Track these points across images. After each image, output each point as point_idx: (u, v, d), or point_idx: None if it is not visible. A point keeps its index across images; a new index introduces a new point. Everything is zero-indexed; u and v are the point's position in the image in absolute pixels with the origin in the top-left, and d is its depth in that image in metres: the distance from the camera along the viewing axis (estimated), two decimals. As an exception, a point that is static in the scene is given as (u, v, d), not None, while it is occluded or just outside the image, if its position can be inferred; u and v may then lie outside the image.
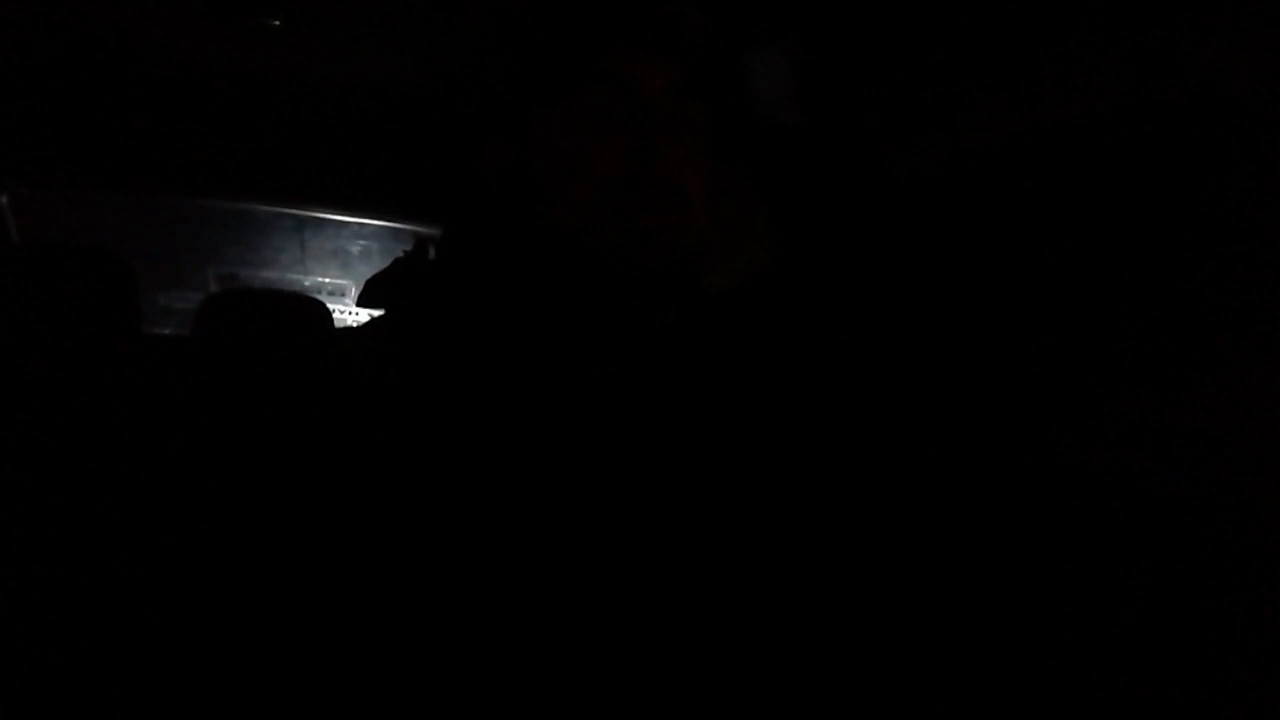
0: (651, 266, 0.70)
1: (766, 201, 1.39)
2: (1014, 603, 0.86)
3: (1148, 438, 0.86)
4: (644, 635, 0.64)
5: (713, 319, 0.80)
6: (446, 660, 0.61)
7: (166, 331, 2.65)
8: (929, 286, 1.10)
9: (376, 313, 0.78)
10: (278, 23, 1.79)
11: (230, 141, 2.23)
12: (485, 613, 0.61)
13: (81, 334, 1.61)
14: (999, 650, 0.84)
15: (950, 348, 1.04)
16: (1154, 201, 0.92)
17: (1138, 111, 0.95)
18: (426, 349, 0.71)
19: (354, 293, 3.08)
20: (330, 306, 2.04)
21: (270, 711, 0.61)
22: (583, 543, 0.64)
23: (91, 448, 1.44)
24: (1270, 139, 0.85)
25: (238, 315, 1.90)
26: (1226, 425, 0.82)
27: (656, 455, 0.69)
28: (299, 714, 0.61)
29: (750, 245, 1.33)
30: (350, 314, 2.94)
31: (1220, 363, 0.85)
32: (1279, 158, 0.84)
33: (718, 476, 0.70)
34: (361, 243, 3.05)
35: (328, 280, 3.12)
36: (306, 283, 3.10)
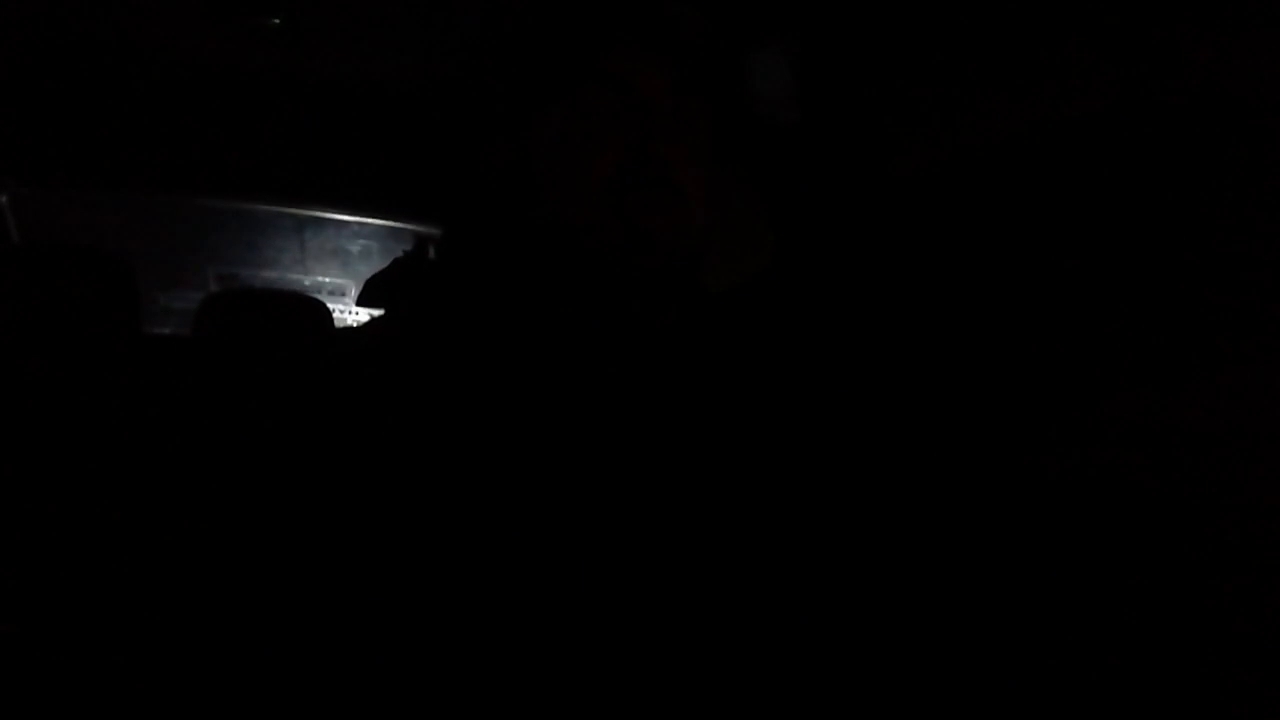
0: (651, 266, 0.70)
1: (766, 201, 1.39)
2: (1012, 603, 0.86)
3: (1146, 438, 0.86)
4: (644, 635, 0.64)
5: (713, 319, 0.80)
6: (447, 660, 0.61)
7: (166, 331, 2.65)
8: (929, 286, 1.10)
9: (376, 312, 0.78)
10: (278, 22, 1.79)
11: (230, 141, 2.23)
12: (486, 612, 0.61)
13: (81, 334, 1.60)
14: (998, 650, 0.84)
15: (949, 347, 1.04)
16: (1153, 201, 0.92)
17: (1138, 111, 0.95)
18: (426, 349, 0.71)
19: (354, 292, 3.08)
20: (330, 306, 2.04)
21: (270, 712, 0.61)
22: (583, 542, 0.64)
23: (92, 448, 1.44)
24: (1270, 139, 0.85)
25: (238, 315, 1.90)
26: (1226, 425, 0.82)
27: (656, 455, 0.69)
28: (299, 714, 0.61)
29: (750, 245, 1.33)
30: (350, 314, 2.94)
31: (1220, 363, 0.85)
32: (1279, 158, 0.84)
33: (717, 476, 0.70)
34: (361, 242, 3.04)
35: (328, 280, 3.12)
36: (306, 282, 3.10)
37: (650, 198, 0.69)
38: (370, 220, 2.76)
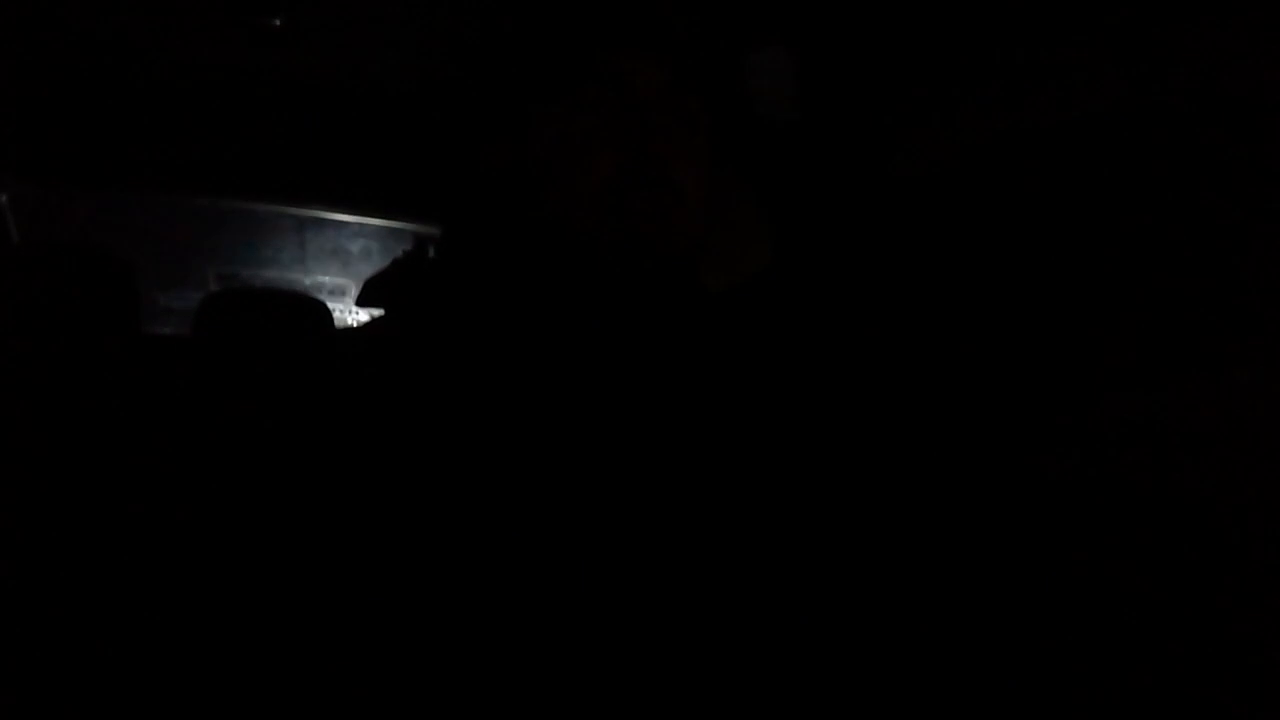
0: (651, 266, 0.70)
1: (766, 201, 1.39)
2: (1013, 602, 0.86)
3: (1147, 438, 0.86)
4: (644, 635, 0.64)
5: (712, 319, 0.80)
6: (447, 660, 0.61)
7: (166, 331, 2.65)
8: (929, 286, 1.10)
9: (376, 312, 0.78)
10: (278, 22, 1.79)
11: (230, 141, 2.23)
12: (486, 612, 0.61)
13: (81, 334, 1.60)
14: (999, 650, 0.84)
15: (950, 347, 1.04)
16: (1153, 201, 0.92)
17: (1138, 112, 0.95)
18: (426, 348, 0.71)
19: (354, 292, 3.08)
20: (330, 306, 2.04)
21: (270, 712, 0.61)
22: (583, 542, 0.64)
23: (92, 448, 1.44)
24: (1270, 139, 0.85)
25: (238, 315, 1.90)
26: (1226, 425, 0.82)
27: (657, 454, 0.69)
28: (299, 714, 0.61)
29: (750, 245, 1.33)
30: (350, 314, 2.94)
31: (1220, 363, 0.85)
32: (1279, 158, 0.84)
33: (717, 476, 0.70)
34: (361, 242, 3.04)
35: (328, 280, 3.12)
36: (307, 282, 3.10)
37: (649, 197, 0.69)
38: (370, 220, 2.76)
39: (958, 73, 1.14)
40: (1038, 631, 0.85)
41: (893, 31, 1.23)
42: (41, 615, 1.21)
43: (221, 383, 1.73)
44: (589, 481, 0.66)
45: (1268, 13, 0.86)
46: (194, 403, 1.60)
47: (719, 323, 0.80)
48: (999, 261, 1.04)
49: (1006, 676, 0.84)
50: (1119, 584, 0.82)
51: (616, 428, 0.68)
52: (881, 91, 1.24)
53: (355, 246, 3.05)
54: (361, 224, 2.84)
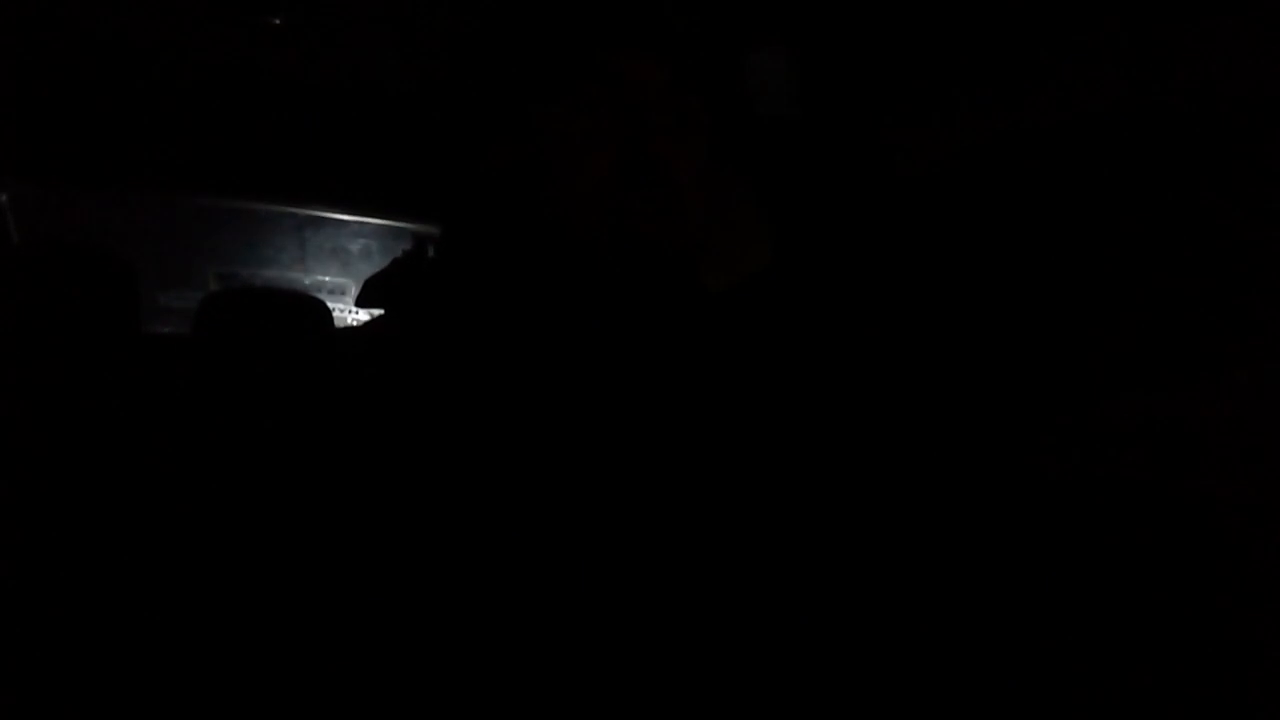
0: (650, 265, 0.70)
1: (766, 201, 1.38)
2: (1013, 602, 0.86)
3: (1147, 437, 0.86)
4: (643, 635, 0.64)
5: (712, 318, 0.80)
6: (446, 659, 0.61)
7: (166, 330, 2.64)
8: (929, 286, 1.10)
9: (377, 312, 0.78)
10: (278, 21, 1.79)
11: (230, 141, 2.23)
12: (485, 612, 0.61)
13: (81, 333, 1.60)
14: (999, 650, 0.84)
15: (950, 347, 1.04)
16: (1154, 201, 0.92)
17: (1138, 112, 0.95)
18: (426, 348, 0.71)
19: (354, 291, 3.08)
20: (330, 305, 2.04)
21: (270, 712, 0.61)
22: (582, 542, 0.64)
23: (91, 447, 1.44)
24: (1270, 139, 0.85)
25: (238, 314, 1.90)
26: (1226, 425, 0.82)
27: (656, 454, 0.69)
28: (299, 714, 0.61)
29: (749, 245, 1.33)
30: (350, 313, 2.94)
31: (1220, 362, 0.85)
32: (1279, 158, 0.84)
33: (717, 476, 0.70)
34: (361, 242, 3.04)
35: (328, 279, 3.12)
36: (306, 281, 3.10)
37: (649, 197, 0.69)
38: (370, 220, 2.76)
39: (958, 73, 1.14)
40: (1038, 631, 0.85)
41: (893, 31, 1.23)
42: (42, 615, 1.21)
43: (221, 382, 1.73)
44: (589, 481, 0.66)
45: (1268, 13, 0.86)
46: (194, 402, 1.60)
47: (719, 322, 0.80)
48: (999, 261, 1.04)
49: (1006, 676, 0.84)
50: (1119, 584, 0.82)
51: (616, 427, 0.68)
52: (881, 91, 1.24)
53: (355, 246, 3.05)
54: (361, 223, 2.85)
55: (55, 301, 1.58)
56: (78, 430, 1.45)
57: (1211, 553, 0.79)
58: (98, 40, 1.86)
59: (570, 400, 0.68)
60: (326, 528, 0.62)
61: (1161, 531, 0.82)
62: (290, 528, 0.63)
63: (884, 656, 0.73)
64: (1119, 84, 0.96)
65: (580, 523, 0.64)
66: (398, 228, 2.74)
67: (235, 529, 0.65)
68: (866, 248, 1.20)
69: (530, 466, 0.64)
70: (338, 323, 2.35)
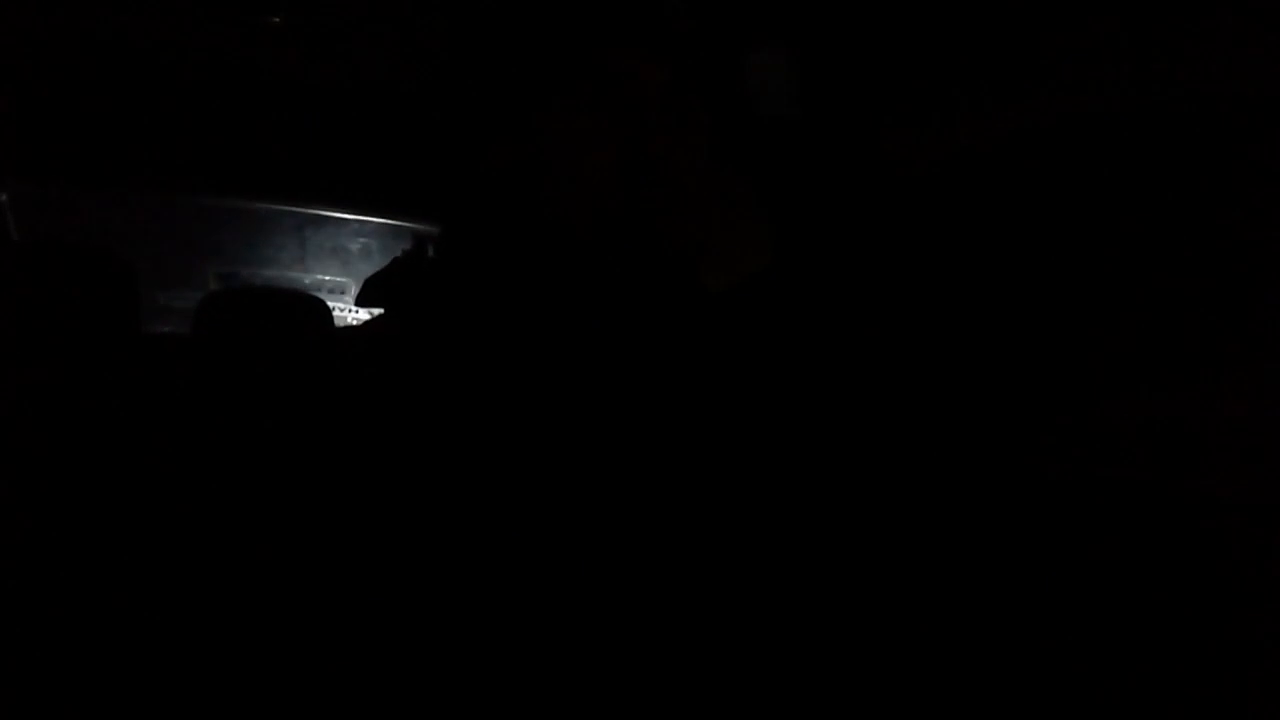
0: (650, 264, 0.70)
1: (766, 201, 1.38)
2: (1013, 603, 0.86)
3: (1146, 437, 0.86)
4: (642, 633, 0.64)
5: (712, 318, 0.80)
6: (446, 658, 0.61)
7: (166, 330, 2.64)
8: (929, 286, 1.10)
9: (377, 311, 0.78)
10: (278, 21, 1.79)
11: (230, 140, 2.23)
12: (485, 609, 0.61)
13: (81, 333, 1.60)
14: (999, 650, 0.84)
15: (950, 348, 1.04)
16: (1154, 201, 0.91)
17: (1139, 112, 0.95)
18: (426, 348, 0.71)
19: (354, 291, 3.08)
20: (330, 304, 2.04)
21: (270, 711, 0.61)
22: (582, 540, 0.64)
23: (91, 447, 1.44)
24: (1270, 139, 0.85)
25: (238, 313, 1.90)
26: (1226, 425, 0.82)
27: (656, 453, 0.69)
28: (299, 714, 0.61)
29: (749, 244, 1.33)
30: (350, 312, 2.94)
31: (1220, 362, 0.85)
32: (1279, 158, 0.84)
33: (717, 474, 0.70)
34: (361, 241, 3.04)
35: (328, 278, 3.12)
36: (307, 281, 3.09)
37: (649, 197, 0.69)
38: (370, 219, 2.76)
39: (958, 73, 1.14)
40: (1037, 631, 0.85)
41: (892, 32, 1.23)
42: (42, 615, 1.21)
43: (221, 382, 1.73)
44: (588, 480, 0.66)
45: (1268, 13, 0.85)
46: (194, 402, 1.60)
47: (718, 322, 0.80)
48: (999, 261, 1.04)
49: (1006, 676, 0.84)
50: (1119, 584, 0.82)
51: (616, 426, 0.68)
52: (881, 91, 1.24)
53: (355, 245, 3.05)
54: (361, 222, 2.85)
55: (55, 301, 1.58)
56: (78, 430, 1.45)
57: (1211, 553, 0.79)
58: (98, 40, 1.86)
59: (570, 399, 0.68)
60: (327, 526, 0.62)
61: (1161, 531, 0.82)
62: (290, 526, 0.63)
63: (884, 656, 0.73)
64: (1119, 84, 0.96)
65: (580, 521, 0.64)
66: (398, 227, 2.74)
67: (235, 528, 0.65)
68: (866, 248, 1.20)
69: (530, 465, 0.64)
70: (338, 323, 2.35)
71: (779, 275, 1.29)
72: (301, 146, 2.25)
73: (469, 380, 0.68)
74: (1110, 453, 0.88)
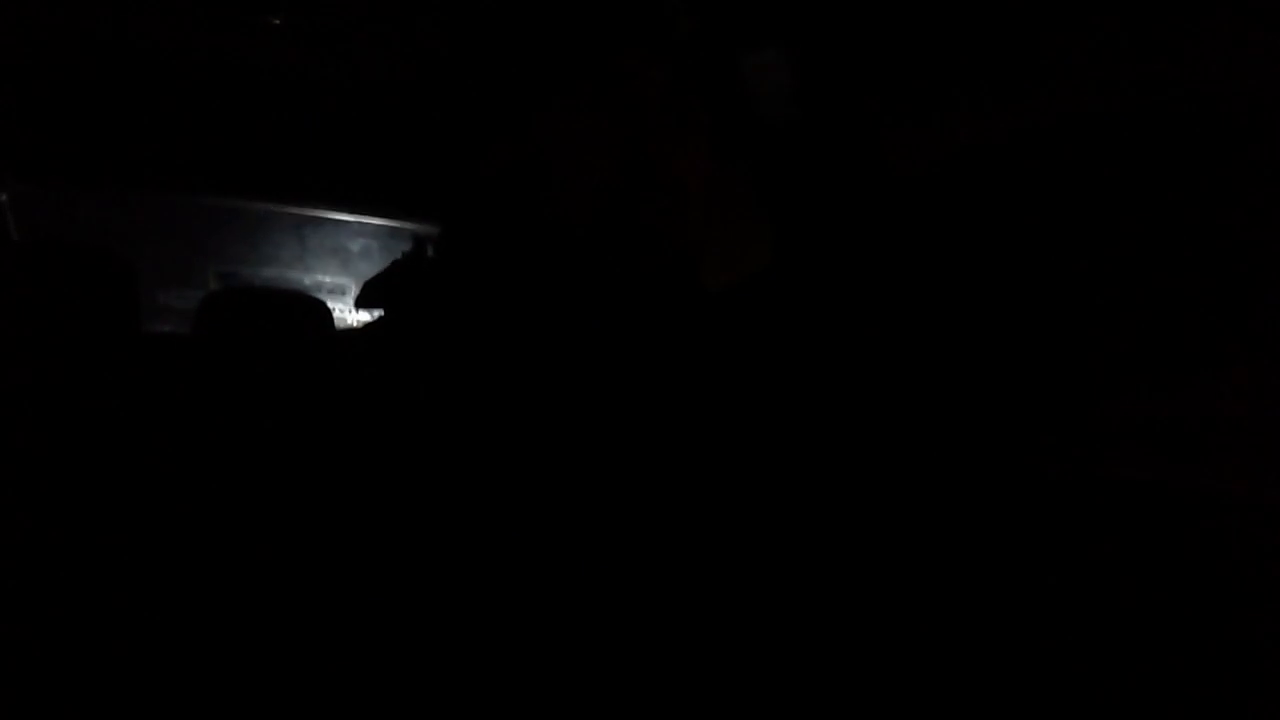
0: (650, 264, 0.70)
1: (766, 201, 1.38)
2: (1011, 602, 0.86)
3: (1147, 436, 0.86)
4: (641, 631, 0.64)
5: (712, 318, 0.80)
6: (444, 655, 0.61)
7: (167, 330, 2.64)
8: (929, 286, 1.10)
9: (376, 312, 0.78)
10: (278, 21, 1.79)
11: (230, 140, 2.23)
12: (484, 609, 0.61)
13: (81, 333, 1.60)
14: (998, 650, 0.84)
15: (950, 347, 1.04)
16: (1155, 201, 0.91)
17: (1139, 112, 0.95)
18: (426, 348, 0.71)
19: (354, 291, 3.08)
20: (330, 305, 2.04)
21: (270, 711, 0.61)
22: (581, 540, 0.64)
23: (92, 447, 1.44)
24: (1270, 139, 0.85)
25: (238, 313, 1.90)
26: (1226, 423, 0.82)
27: (656, 453, 0.69)
28: (299, 714, 0.61)
29: (749, 244, 1.33)
30: (350, 312, 2.94)
31: (1220, 361, 0.85)
32: (1279, 157, 0.84)
33: (717, 474, 0.70)
34: (361, 241, 3.04)
35: (328, 279, 3.12)
36: (306, 281, 3.09)
37: (649, 197, 0.70)
38: (370, 220, 2.76)
39: (958, 72, 1.14)
40: (1038, 630, 0.85)
41: (892, 32, 1.23)
42: (42, 615, 1.21)
43: (221, 382, 1.73)
44: (588, 480, 0.66)
45: (1268, 13, 0.85)
46: (194, 402, 1.60)
47: (718, 322, 0.80)
48: (999, 261, 1.03)
49: (1006, 675, 0.84)
50: (1119, 583, 0.82)
51: (616, 426, 0.68)
52: (881, 91, 1.24)
53: (355, 245, 3.05)
54: (361, 223, 2.85)
55: (55, 301, 1.58)
56: (78, 430, 1.45)
57: (1211, 552, 0.78)
58: (98, 40, 1.86)
59: (570, 399, 0.68)
60: (326, 525, 0.62)
61: (1161, 531, 0.82)
62: (290, 526, 0.63)
63: (884, 655, 0.73)
64: (1119, 84, 0.96)
65: (580, 520, 0.64)
66: (398, 228, 2.74)
67: (235, 528, 0.65)
68: (866, 248, 1.20)
69: (529, 464, 0.64)
70: (337, 322, 2.35)
71: (779, 275, 1.29)
72: (301, 146, 2.25)
73: (469, 380, 0.68)
74: (1110, 452, 0.88)
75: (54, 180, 2.28)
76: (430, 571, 0.62)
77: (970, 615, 0.85)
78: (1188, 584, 0.79)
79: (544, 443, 0.66)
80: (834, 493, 0.74)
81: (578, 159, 0.71)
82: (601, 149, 0.70)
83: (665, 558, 0.66)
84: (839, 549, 0.72)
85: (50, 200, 2.37)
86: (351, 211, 2.69)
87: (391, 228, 2.78)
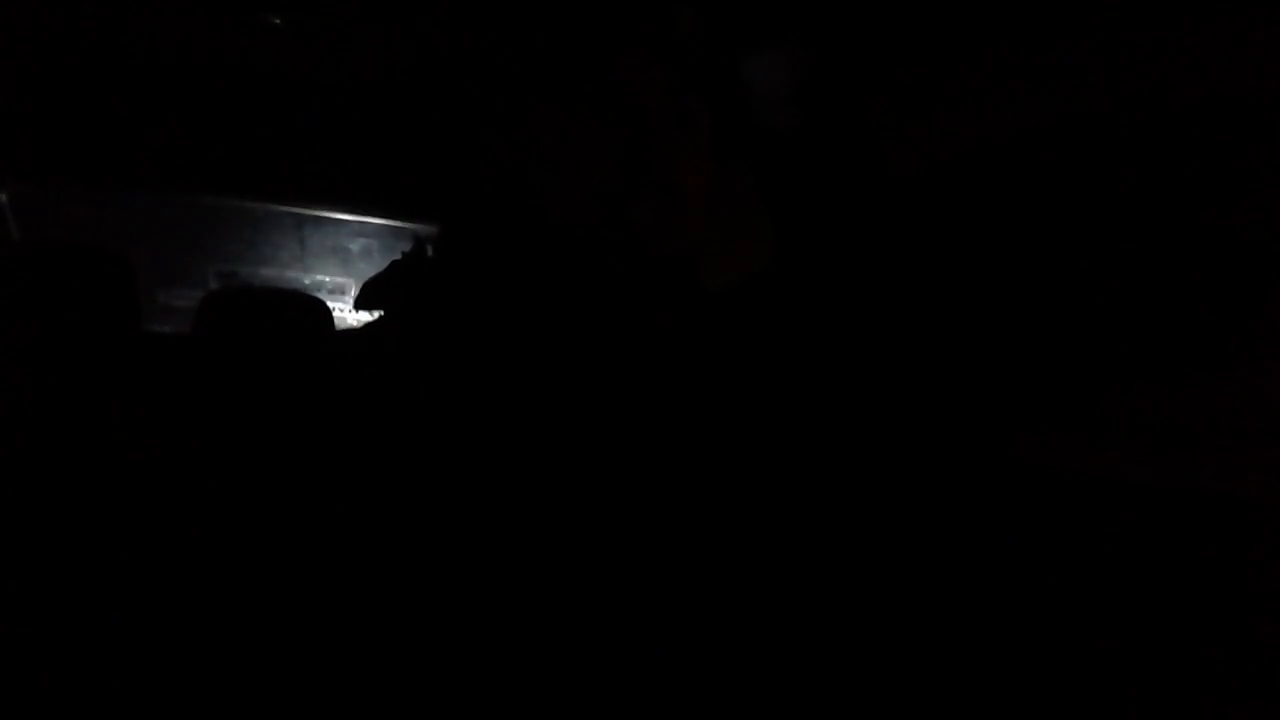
0: (650, 266, 0.70)
1: (766, 201, 1.39)
2: (1011, 601, 0.86)
3: (1146, 434, 0.86)
4: (642, 635, 0.64)
5: (712, 319, 0.80)
6: (445, 659, 0.61)
7: (166, 329, 2.65)
8: (929, 286, 1.10)
9: (376, 312, 0.78)
10: (278, 21, 1.79)
11: (230, 140, 2.23)
12: (486, 613, 0.61)
13: (81, 332, 1.60)
14: (997, 650, 0.84)
15: (950, 346, 1.04)
16: (1153, 201, 0.92)
17: (1140, 112, 0.95)
18: (425, 349, 0.71)
19: (354, 291, 3.08)
20: (330, 304, 2.04)
21: (270, 711, 0.61)
22: (582, 543, 0.64)
23: (91, 447, 1.44)
24: (1271, 139, 0.85)
25: (238, 313, 1.90)
26: (1225, 422, 0.82)
27: (656, 455, 0.69)
28: (299, 714, 0.61)
29: (749, 245, 1.33)
30: (350, 312, 2.95)
31: (1219, 360, 0.85)
32: (1279, 157, 0.84)
33: (717, 476, 0.70)
34: (361, 241, 3.04)
35: (327, 279, 3.12)
36: (306, 281, 3.10)
37: (649, 198, 0.69)
38: (370, 220, 2.76)
39: (957, 72, 1.14)
40: (1038, 630, 0.85)
41: (892, 32, 1.23)
42: (41, 615, 1.21)
43: (221, 381, 1.73)
44: (588, 482, 0.66)
45: (1268, 13, 0.86)
46: (194, 402, 1.60)
47: (718, 323, 0.80)
48: (999, 261, 1.04)
49: (1006, 676, 0.84)
50: (1119, 582, 0.83)
51: (616, 428, 0.69)
52: (882, 92, 1.24)
53: (355, 245, 3.05)
54: (361, 223, 2.85)
55: (55, 301, 1.59)
56: (78, 430, 1.45)
57: (1211, 552, 0.79)
58: (98, 40, 1.86)
59: (570, 401, 0.68)
60: (326, 528, 0.62)
61: (1161, 530, 0.82)
62: (289, 528, 0.63)
63: (883, 655, 0.73)
64: (1119, 84, 0.96)
65: (580, 523, 0.64)
66: (398, 228, 2.74)
67: (234, 529, 0.65)
68: (866, 248, 1.20)
69: (530, 467, 0.65)
70: (337, 322, 2.35)
71: (779, 275, 1.29)
72: (301, 146, 2.26)
73: (469, 382, 0.68)
74: (1110, 451, 0.88)
75: (54, 180, 2.29)
76: (430, 571, 0.62)
77: (969, 615, 0.85)
78: (1187, 584, 0.79)
79: (544, 442, 0.66)
80: (834, 491, 0.74)
81: (577, 159, 0.71)
82: (601, 149, 0.70)
83: (665, 556, 0.66)
84: (839, 547, 0.72)
85: (50, 200, 2.37)
86: (351, 211, 2.69)
87: (391, 228, 2.79)
